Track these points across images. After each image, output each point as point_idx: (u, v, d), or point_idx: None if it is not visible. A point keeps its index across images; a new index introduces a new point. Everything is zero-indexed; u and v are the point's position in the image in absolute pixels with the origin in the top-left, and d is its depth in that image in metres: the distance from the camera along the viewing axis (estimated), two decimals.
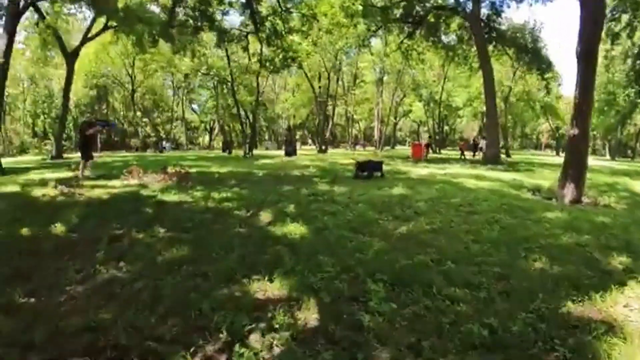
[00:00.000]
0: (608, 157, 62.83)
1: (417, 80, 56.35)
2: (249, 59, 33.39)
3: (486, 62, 27.02)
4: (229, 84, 39.46)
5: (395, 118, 67.70)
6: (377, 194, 11.03)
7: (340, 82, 55.09)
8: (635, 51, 33.83)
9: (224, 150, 39.87)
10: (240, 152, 35.22)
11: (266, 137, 77.96)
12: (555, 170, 20.00)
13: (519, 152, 65.36)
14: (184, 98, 67.94)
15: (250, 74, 36.97)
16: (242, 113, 42.18)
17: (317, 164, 22.59)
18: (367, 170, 15.72)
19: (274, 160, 25.81)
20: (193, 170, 16.52)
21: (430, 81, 55.95)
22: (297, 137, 72.20)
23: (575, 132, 11.55)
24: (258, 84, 35.82)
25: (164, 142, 56.03)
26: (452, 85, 55.70)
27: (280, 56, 30.62)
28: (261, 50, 32.58)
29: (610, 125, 57.78)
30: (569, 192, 11.24)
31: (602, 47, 26.78)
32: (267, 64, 32.39)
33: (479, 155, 33.29)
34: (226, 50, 33.40)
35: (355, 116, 58.13)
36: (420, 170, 19.70)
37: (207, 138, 77.95)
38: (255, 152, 37.07)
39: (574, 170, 11.42)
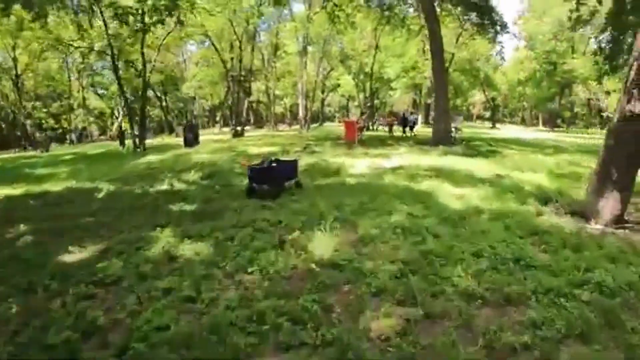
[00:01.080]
0: (542, 127, 61.79)
1: (345, 51, 50.59)
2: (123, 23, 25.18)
3: (433, 20, 21.55)
4: (121, 59, 31.15)
5: (322, 93, 61.94)
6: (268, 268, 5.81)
7: (258, 54, 48.58)
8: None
9: (121, 143, 31.85)
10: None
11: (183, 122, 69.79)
12: (523, 152, 18.71)
13: None
14: (86, 82, 57.88)
15: (131, 43, 28.76)
16: (141, 97, 33.95)
17: (214, 159, 16.67)
18: (270, 181, 9.83)
19: (164, 156, 20.11)
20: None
21: (360, 51, 50.12)
22: (218, 118, 65.27)
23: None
24: (143, 54, 27.89)
25: (72, 134, 46.85)
26: (384, 55, 50.39)
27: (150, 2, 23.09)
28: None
29: (548, 95, 55.48)
30: (608, 207, 7.43)
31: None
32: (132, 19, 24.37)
33: (410, 133, 29.18)
34: (101, 14, 25.44)
35: (277, 92, 51.13)
36: (358, 164, 14.87)
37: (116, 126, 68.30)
38: (157, 141, 30.13)
39: (621, 175, 7.41)
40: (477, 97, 76.38)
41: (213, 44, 35.15)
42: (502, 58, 33.80)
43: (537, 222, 7.27)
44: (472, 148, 19.99)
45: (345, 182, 11.22)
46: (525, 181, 10.84)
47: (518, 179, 11.35)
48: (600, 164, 7.71)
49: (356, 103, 67.66)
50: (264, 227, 7.14)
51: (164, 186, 11.38)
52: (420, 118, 60.71)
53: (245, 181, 10.21)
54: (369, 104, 50.83)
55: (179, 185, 11.49)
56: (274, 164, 10.27)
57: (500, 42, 29.07)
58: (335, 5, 25.86)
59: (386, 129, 33.33)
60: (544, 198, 8.86)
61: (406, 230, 6.74)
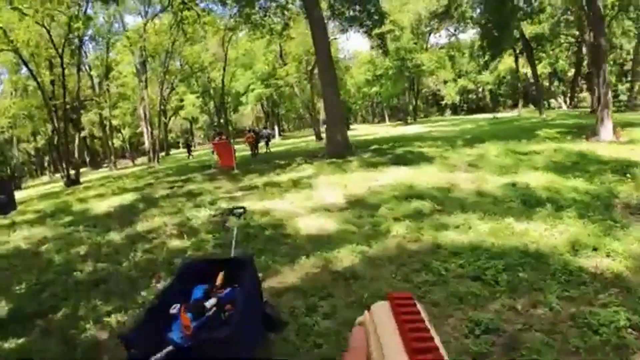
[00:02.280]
0: (388, 123, 64.21)
1: (187, 67, 45.04)
2: None
3: (314, 6, 17.43)
4: None
5: (165, 117, 55.36)
6: None
7: (86, 77, 40.92)
8: None
9: None
10: None
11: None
12: (451, 150, 16.26)
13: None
14: None
15: None
16: None
17: (32, 244, 10.33)
18: None
19: None
20: None
21: (205, 65, 44.92)
22: (47, 163, 54.73)
23: None
24: None
25: None
26: (234, 67, 46.00)
27: None
28: None
29: (398, 91, 55.32)
30: None
31: None
32: None
33: (266, 149, 26.40)
34: None
35: (113, 122, 43.24)
36: (289, 206, 10.74)
37: None
38: None
39: None
40: (320, 104, 74.91)
41: (25, 63, 26.68)
42: (385, 52, 30.34)
43: None
44: (385, 154, 16.48)
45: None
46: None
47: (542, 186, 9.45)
48: None
49: (199, 125, 62.10)
50: None
51: None
52: (276, 130, 57.55)
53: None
54: (215, 124, 45.81)
55: None
56: None
57: (378, 35, 25.59)
58: (184, 2, 20.54)
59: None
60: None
61: None
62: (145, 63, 35.08)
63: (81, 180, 28.54)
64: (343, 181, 11.96)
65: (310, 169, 14.82)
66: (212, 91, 45.94)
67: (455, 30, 50.17)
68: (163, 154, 52.95)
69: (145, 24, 34.38)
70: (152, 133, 35.22)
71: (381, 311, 0.96)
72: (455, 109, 70.37)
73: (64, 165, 26.53)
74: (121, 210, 11.96)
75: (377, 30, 24.05)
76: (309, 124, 77.59)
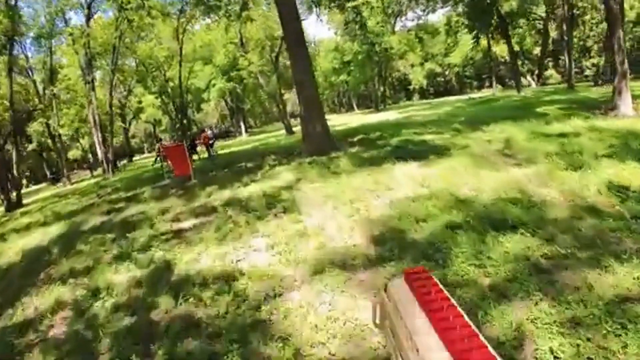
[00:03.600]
0: (357, 111, 62.36)
1: (142, 67, 41.44)
2: None
3: None
4: None
5: (124, 122, 51.62)
6: None
7: (24, 82, 37.05)
8: None
9: None
10: None
11: None
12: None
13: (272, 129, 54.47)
14: None
15: None
16: None
17: None
18: None
19: None
20: None
21: (160, 62, 41.37)
22: None
23: None
24: None
25: None
26: (191, 62, 42.76)
27: None
28: None
29: (367, 78, 53.21)
30: None
31: None
32: None
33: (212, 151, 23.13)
34: None
35: (62, 130, 38.57)
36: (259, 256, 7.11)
37: None
38: None
39: None
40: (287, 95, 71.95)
41: None
42: (362, 26, 27.47)
43: None
44: (377, 146, 13.48)
45: None
46: None
47: None
48: None
49: (163, 127, 58.58)
50: None
51: None
52: (242, 127, 54.33)
53: None
54: (177, 125, 42.59)
55: None
56: None
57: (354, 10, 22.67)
58: None
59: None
60: None
61: None
62: (91, 63, 31.21)
63: (25, 201, 25.16)
64: (340, 192, 8.76)
65: (289, 173, 11.64)
66: (169, 90, 42.29)
67: (424, 11, 47.78)
68: (125, 161, 49.37)
69: (87, 19, 30.64)
70: (103, 141, 31.49)
71: (399, 288, 1.24)
72: (423, 94, 68.54)
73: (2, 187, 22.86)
74: (26, 263, 8.82)
75: (352, 3, 21.09)
76: (276, 118, 74.58)
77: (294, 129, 32.40)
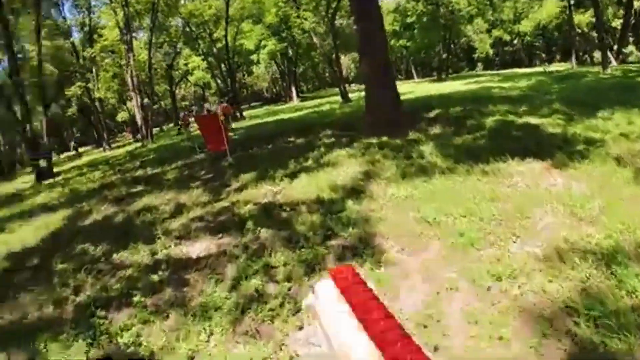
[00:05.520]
0: (418, 79, 56.64)
1: (190, 27, 38.83)
2: None
3: None
4: None
5: (171, 87, 49.52)
6: None
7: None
8: None
9: None
10: None
11: None
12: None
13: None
14: None
15: None
16: None
17: None
18: None
19: None
20: None
21: (207, 22, 38.52)
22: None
23: None
24: None
25: None
26: (240, 21, 39.94)
27: None
28: None
29: (431, 43, 48.61)
30: None
31: None
32: None
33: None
34: None
35: (101, 95, 35.96)
36: None
37: None
38: None
39: None
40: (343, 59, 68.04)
41: None
42: None
43: None
44: (469, 130, 9.82)
45: None
46: None
47: None
48: None
49: (213, 90, 56.32)
50: None
51: None
52: (294, 92, 51.36)
53: None
54: (228, 88, 40.00)
55: None
56: None
57: None
58: None
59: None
60: None
61: None
62: (129, 22, 28.52)
63: (61, 168, 23.52)
64: (443, 211, 5.30)
65: (352, 162, 8.33)
66: (215, 50, 39.39)
67: None
68: (172, 124, 47.76)
69: None
70: (142, 105, 28.96)
71: (325, 289, 1.25)
72: (488, 63, 62.45)
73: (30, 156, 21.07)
74: None
75: None
76: (329, 83, 70.76)
77: (350, 95, 29.05)
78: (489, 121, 10.25)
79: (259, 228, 5.82)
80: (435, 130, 10.01)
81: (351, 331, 1.09)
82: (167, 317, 4.34)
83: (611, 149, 6.89)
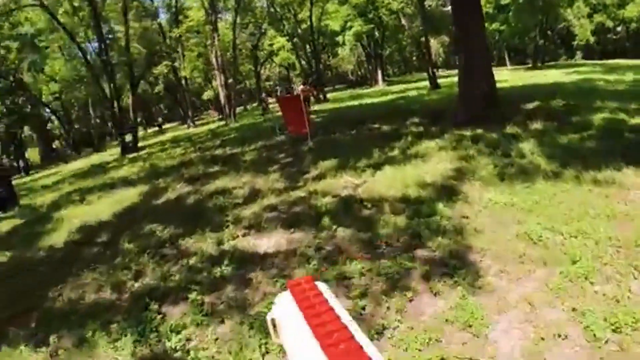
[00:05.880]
0: (513, 66, 52.66)
1: (274, 8, 38.57)
2: None
3: None
4: None
5: (255, 67, 49.79)
6: None
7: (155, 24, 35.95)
8: None
9: None
10: None
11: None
12: None
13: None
14: None
15: None
16: None
17: None
18: None
19: None
20: None
21: (292, 3, 38.06)
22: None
23: None
24: None
25: None
26: (325, 2, 39.22)
27: None
28: None
29: (527, 27, 45.66)
30: None
31: None
32: None
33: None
34: None
35: (186, 74, 36.97)
36: None
37: None
38: None
39: None
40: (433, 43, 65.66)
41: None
42: None
43: None
44: (575, 127, 8.50)
45: None
46: None
47: None
48: None
49: (298, 71, 56.15)
50: None
51: None
52: (379, 75, 50.17)
53: None
54: (313, 69, 39.61)
55: None
56: None
57: None
58: None
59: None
60: None
61: None
62: (214, 2, 28.50)
63: (147, 142, 24.32)
64: (551, 228, 4.40)
65: (443, 155, 7.44)
66: (300, 31, 38.86)
67: None
68: (255, 104, 48.16)
69: None
70: (225, 84, 29.03)
71: (285, 302, 1.27)
72: (588, 52, 57.42)
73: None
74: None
75: None
76: (416, 67, 68.61)
77: (439, 81, 27.58)
78: (597, 119, 8.95)
79: (335, 226, 5.16)
80: (536, 125, 8.85)
81: (307, 344, 1.07)
82: (223, 321, 3.85)
83: None
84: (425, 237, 4.59)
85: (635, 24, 51.94)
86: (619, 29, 55.79)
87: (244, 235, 5.44)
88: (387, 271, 4.04)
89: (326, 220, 5.31)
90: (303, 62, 43.95)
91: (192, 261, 4.99)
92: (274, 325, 1.35)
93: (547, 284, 3.60)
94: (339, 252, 4.56)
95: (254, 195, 6.98)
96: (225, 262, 4.77)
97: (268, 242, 5.15)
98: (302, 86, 24.11)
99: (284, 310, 1.21)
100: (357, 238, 4.80)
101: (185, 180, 9.29)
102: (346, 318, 1.04)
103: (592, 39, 54.41)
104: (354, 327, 1.03)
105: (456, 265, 4.02)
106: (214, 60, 29.09)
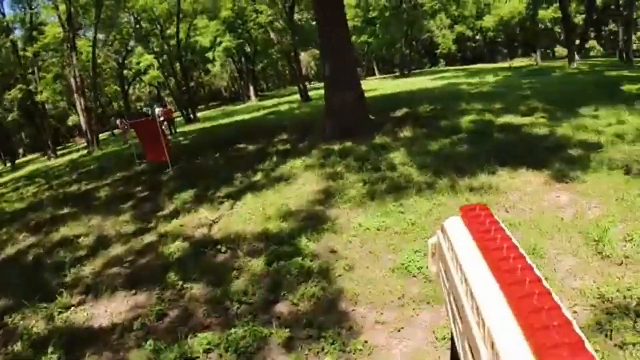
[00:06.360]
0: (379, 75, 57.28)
1: (140, 24, 36.80)
2: None
3: None
4: None
5: (123, 88, 47.13)
6: None
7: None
8: None
9: None
10: None
11: None
12: None
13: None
14: None
15: None
16: None
17: None
18: None
19: None
20: None
21: (159, 17, 36.41)
22: None
23: None
24: None
25: None
26: (193, 18, 38.20)
27: None
28: None
29: (393, 40, 47.95)
30: None
31: None
32: None
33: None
34: None
35: (42, 98, 33.21)
36: None
37: None
38: None
39: None
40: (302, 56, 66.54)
41: None
42: None
43: None
44: (444, 132, 8.65)
45: None
46: None
47: None
48: None
49: (168, 91, 54.11)
50: None
51: None
52: (252, 90, 49.69)
53: None
54: (183, 88, 38.43)
55: None
56: None
57: None
58: None
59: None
60: None
61: None
62: (71, 18, 26.15)
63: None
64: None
65: (309, 176, 7.13)
66: (168, 47, 37.14)
67: None
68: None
69: None
70: (86, 108, 26.69)
71: (455, 226, 1.14)
72: (450, 59, 61.92)
73: None
74: None
75: None
76: (290, 81, 69.04)
77: (309, 93, 27.76)
78: (465, 121, 9.20)
79: (181, 282, 4.42)
80: (405, 132, 8.86)
81: (477, 269, 0.99)
82: None
83: (612, 154, 5.87)
84: (286, 287, 3.98)
85: (492, 33, 56.81)
86: (477, 37, 60.51)
87: (79, 303, 4.48)
88: (238, 344, 3.30)
89: (172, 276, 4.56)
90: (173, 81, 42.33)
91: (17, 348, 3.93)
92: (433, 253, 1.27)
93: (434, 331, 3.12)
94: (186, 317, 3.86)
95: (99, 244, 6.07)
96: (51, 347, 3.73)
97: (106, 311, 4.27)
98: (160, 108, 22.89)
99: (455, 235, 1.08)
100: (207, 297, 4.08)
101: (30, 228, 8.07)
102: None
103: (453, 48, 58.88)
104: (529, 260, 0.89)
105: (323, 324, 3.39)
106: (72, 81, 26.63)
